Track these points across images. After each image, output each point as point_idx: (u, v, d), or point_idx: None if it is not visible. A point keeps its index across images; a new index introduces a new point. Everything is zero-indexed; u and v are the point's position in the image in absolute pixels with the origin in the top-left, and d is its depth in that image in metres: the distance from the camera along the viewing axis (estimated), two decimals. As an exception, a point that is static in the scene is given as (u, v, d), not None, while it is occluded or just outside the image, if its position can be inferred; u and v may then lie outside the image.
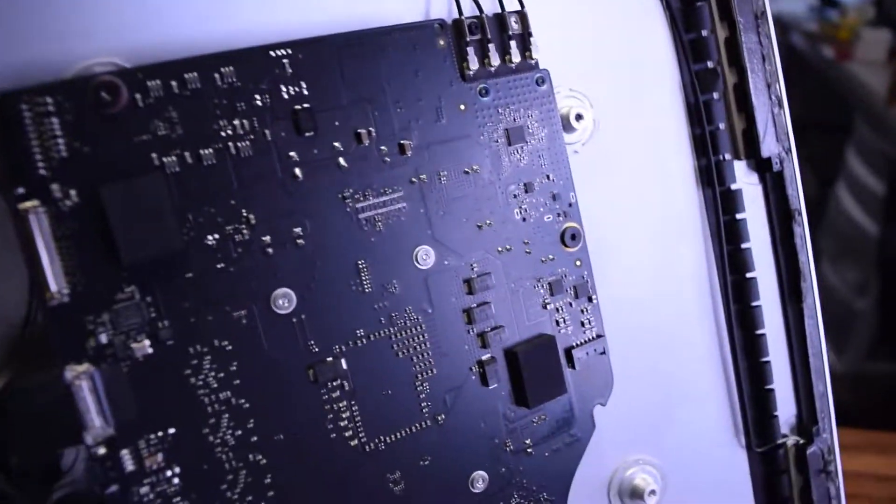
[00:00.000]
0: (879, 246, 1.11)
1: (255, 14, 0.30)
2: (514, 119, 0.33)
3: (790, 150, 0.38)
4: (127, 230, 0.27)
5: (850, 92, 1.30)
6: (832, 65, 1.38)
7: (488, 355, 0.33)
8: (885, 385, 1.04)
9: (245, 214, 0.29)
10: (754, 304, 0.38)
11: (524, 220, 0.33)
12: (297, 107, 0.29)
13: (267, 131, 0.29)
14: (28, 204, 0.26)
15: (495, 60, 0.33)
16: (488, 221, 0.33)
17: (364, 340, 0.30)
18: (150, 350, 0.27)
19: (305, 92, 0.29)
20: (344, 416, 0.30)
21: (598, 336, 0.35)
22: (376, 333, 0.31)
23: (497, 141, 0.33)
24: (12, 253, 0.27)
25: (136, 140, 0.27)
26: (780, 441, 0.40)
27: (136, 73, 0.27)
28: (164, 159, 0.27)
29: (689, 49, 0.37)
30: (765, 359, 0.39)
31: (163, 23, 0.29)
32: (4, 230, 0.27)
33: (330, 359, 0.30)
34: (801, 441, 0.40)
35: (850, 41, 1.38)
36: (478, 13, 0.33)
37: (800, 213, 0.39)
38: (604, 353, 0.35)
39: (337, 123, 0.30)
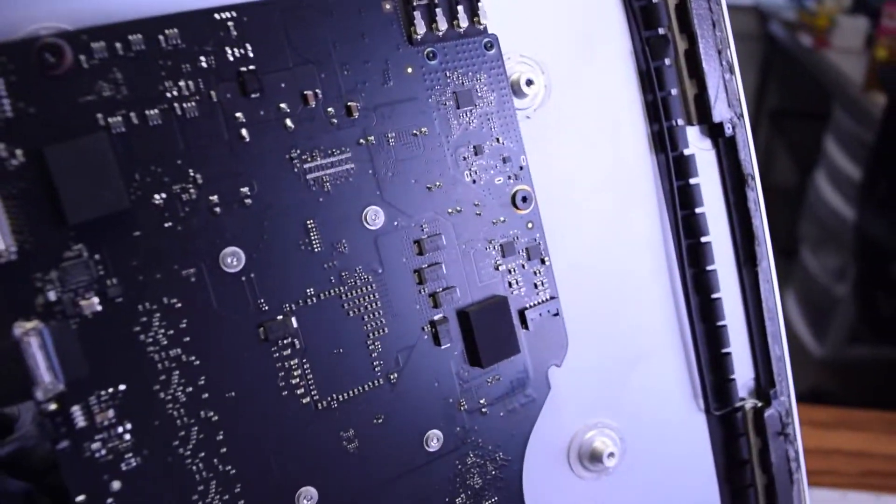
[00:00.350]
0: (856, 232, 1.12)
1: (201, -21, 0.31)
2: (463, 82, 0.34)
3: (742, 115, 0.39)
4: (72, 190, 0.27)
5: (829, 79, 1.32)
6: (810, 53, 1.40)
7: (440, 315, 0.33)
8: (865, 368, 1.05)
9: (192, 174, 0.29)
10: (709, 267, 0.39)
11: (474, 182, 0.34)
12: (243, 68, 0.30)
13: (213, 92, 0.29)
14: (-27, 163, 0.26)
15: (443, 25, 0.33)
16: (438, 183, 0.33)
17: (314, 299, 0.31)
18: (99, 307, 0.28)
19: (251, 54, 0.30)
20: (295, 374, 0.31)
21: (552, 298, 0.36)
22: (327, 292, 0.31)
23: (445, 104, 0.33)
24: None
25: (81, 101, 0.28)
26: (737, 404, 0.40)
27: (80, 34, 0.28)
28: (110, 119, 0.28)
29: (640, 15, 0.38)
30: (721, 322, 0.39)
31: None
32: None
33: (280, 317, 0.31)
34: (759, 404, 0.41)
35: (827, 29, 1.40)
36: (425, -22, 0.33)
37: (753, 178, 0.40)
38: (557, 314, 0.36)
39: (283, 85, 0.31)
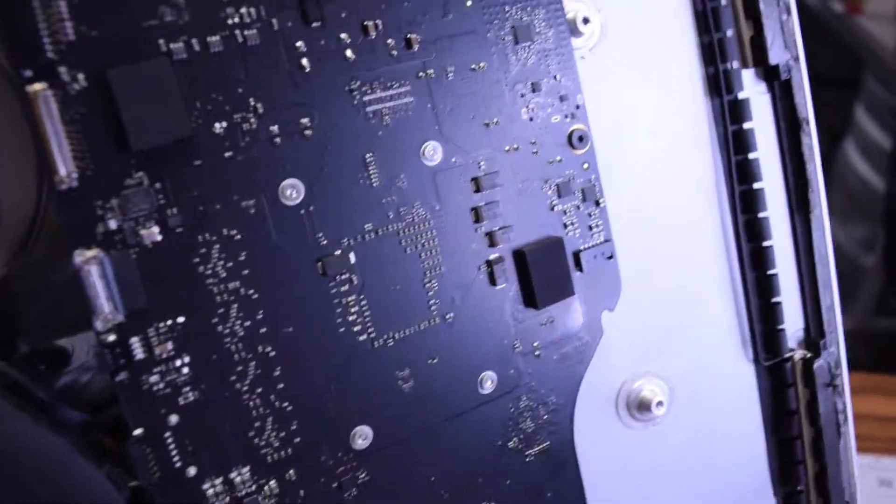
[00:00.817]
0: (886, 201, 1.12)
1: None
2: (521, 17, 0.34)
3: (798, 58, 0.39)
4: (135, 115, 0.27)
5: (861, 46, 1.31)
6: (842, 19, 1.39)
7: (496, 254, 0.34)
8: (894, 339, 1.05)
9: (252, 103, 0.29)
10: (762, 214, 0.39)
11: (531, 119, 0.34)
12: (304, -3, 0.30)
13: (274, 20, 0.29)
14: (36, 87, 0.26)
15: (502, -43, 0.33)
16: (495, 120, 0.33)
17: (373, 234, 0.31)
18: (160, 237, 0.28)
19: (313, -19, 0.30)
20: (353, 310, 0.31)
21: (606, 240, 0.36)
22: (385, 228, 0.32)
23: (504, 39, 0.33)
24: (20, 137, 0.28)
25: (144, 25, 0.28)
26: (787, 355, 0.41)
27: (142, -42, 0.28)
28: (172, 45, 0.28)
29: (697, -46, 0.38)
30: (772, 271, 0.40)
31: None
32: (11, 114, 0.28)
33: (339, 252, 0.31)
34: (808, 355, 0.41)
35: (859, -6, 1.38)
36: (485, -89, 0.33)
37: (808, 123, 0.39)
38: (611, 257, 0.36)
39: (344, 15, 0.30)
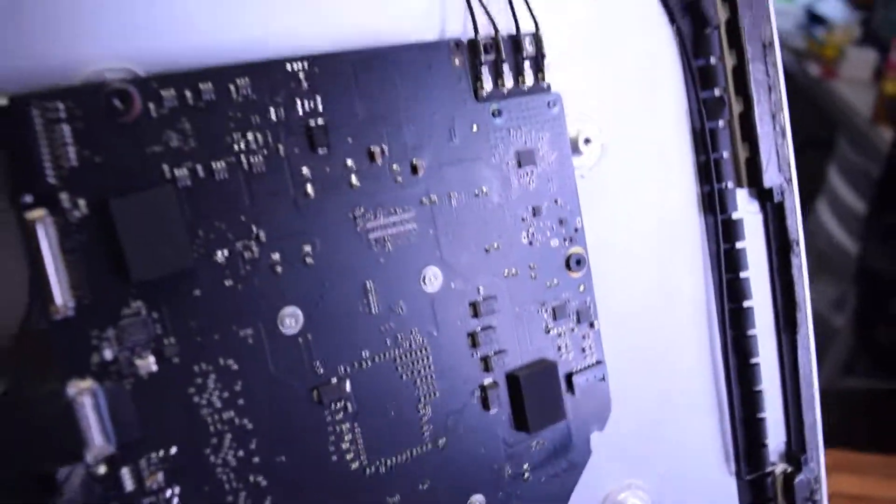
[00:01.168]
0: (858, 263, 1.15)
1: (271, 25, 0.31)
2: (525, 142, 0.34)
3: (791, 180, 0.40)
4: (137, 245, 0.27)
5: (835, 110, 1.34)
6: (818, 82, 1.42)
7: (490, 379, 0.34)
8: (861, 400, 1.07)
9: (255, 231, 0.29)
10: (750, 332, 0.40)
11: (531, 244, 0.35)
12: (312, 122, 0.30)
13: (280, 146, 0.30)
14: (36, 213, 0.26)
15: (509, 82, 0.34)
16: (496, 245, 0.34)
17: (369, 362, 0.31)
18: (155, 367, 0.28)
19: (320, 107, 0.30)
20: (346, 438, 0.31)
21: (598, 362, 0.36)
22: (382, 355, 0.32)
23: (507, 163, 0.34)
24: (7, 251, 0.28)
25: (148, 151, 0.28)
26: (768, 469, 0.41)
27: (150, 81, 0.28)
28: (176, 172, 0.28)
29: (698, 75, 0.39)
30: (758, 388, 0.40)
31: (176, 28, 0.30)
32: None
33: (335, 380, 0.31)
34: (790, 469, 0.42)
35: (835, 59, 1.42)
36: (493, 33, 0.34)
37: (798, 244, 0.40)
38: (603, 379, 0.36)
39: (350, 141, 0.31)
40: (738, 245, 0.40)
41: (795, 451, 0.42)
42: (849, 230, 1.21)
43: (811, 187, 1.30)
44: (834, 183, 1.28)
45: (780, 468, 0.42)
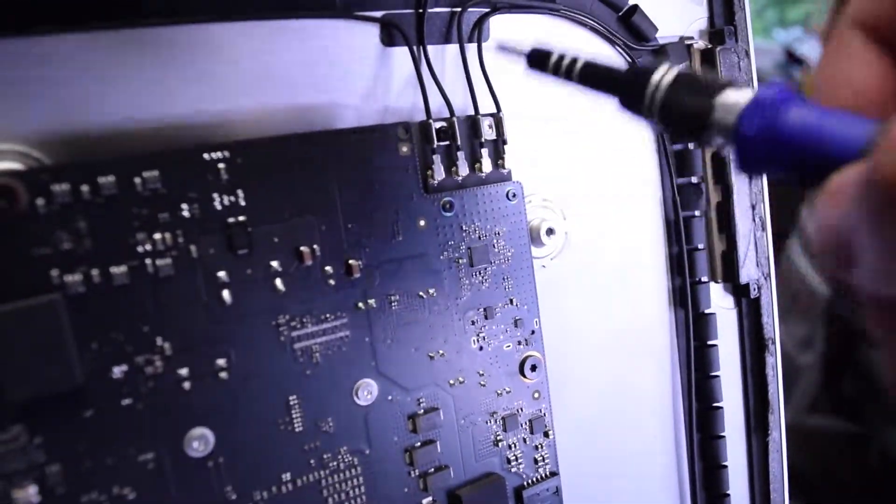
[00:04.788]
0: (826, 305, 1.09)
1: (191, 101, 0.25)
2: (480, 237, 0.29)
3: (769, 275, 0.34)
4: (15, 362, 0.22)
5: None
6: (794, 121, 1.36)
7: (429, 499, 0.28)
8: (823, 439, 1.02)
9: (160, 343, 0.24)
10: (719, 434, 0.34)
11: (481, 349, 0.29)
12: (231, 220, 0.24)
13: (193, 247, 0.24)
14: None
15: (464, 169, 0.28)
16: (441, 352, 0.28)
17: (290, 486, 0.26)
18: (37, 499, 0.22)
19: (242, 202, 0.24)
20: (260, 571, 0.26)
21: (553, 474, 0.31)
22: (305, 478, 0.26)
23: (458, 261, 0.28)
24: None
25: (35, 253, 0.22)
26: (733, 577, 0.36)
27: (39, 173, 0.22)
28: (67, 278, 0.22)
29: (675, 162, 0.33)
30: (725, 492, 0.35)
31: (80, 107, 0.24)
32: None
33: (248, 507, 0.25)
34: (756, 577, 0.36)
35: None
36: (447, 115, 0.28)
37: (773, 343, 0.35)
38: (557, 492, 0.31)
39: (276, 240, 0.25)
40: (710, 342, 0.34)
41: (763, 558, 0.37)
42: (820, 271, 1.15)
43: (784, 227, 1.25)
44: (807, 222, 1.22)
45: (745, 576, 0.36)
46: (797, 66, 1.48)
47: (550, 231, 0.31)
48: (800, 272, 1.21)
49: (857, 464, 0.98)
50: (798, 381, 1.13)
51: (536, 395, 0.30)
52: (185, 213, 0.24)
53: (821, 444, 1.05)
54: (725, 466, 0.35)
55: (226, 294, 0.24)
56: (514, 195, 0.29)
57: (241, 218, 0.24)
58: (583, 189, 0.32)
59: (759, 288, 0.34)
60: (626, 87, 0.16)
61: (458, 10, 0.29)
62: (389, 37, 0.28)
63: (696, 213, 0.33)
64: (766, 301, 0.34)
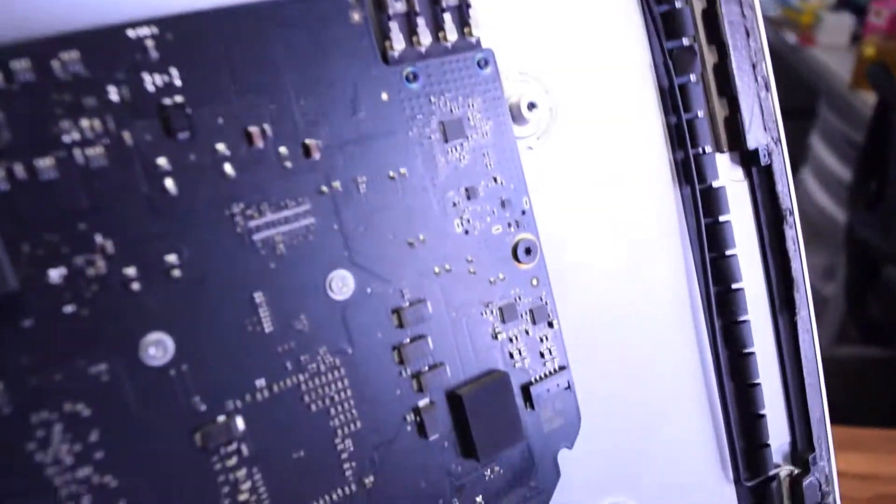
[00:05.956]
0: (846, 231, 1.04)
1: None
2: (451, 109, 0.25)
3: (780, 140, 0.31)
4: (-66, 269, 0.19)
5: (815, 77, 1.23)
6: (795, 50, 1.32)
7: (426, 400, 0.25)
8: (854, 369, 0.97)
9: (100, 242, 0.21)
10: (741, 318, 0.31)
11: (467, 232, 0.26)
12: (167, 101, 0.21)
13: (126, 133, 0.21)
14: None
15: (426, 38, 0.25)
16: (421, 237, 0.25)
17: (266, 392, 0.23)
18: (-22, 421, 0.20)
19: (177, 82, 0.21)
20: (243, 488, 0.23)
21: (561, 368, 0.28)
22: (282, 383, 0.23)
23: (430, 137, 0.25)
24: None
25: (-52, 150, 0.19)
26: (772, 472, 0.32)
27: (-59, 60, 0.19)
28: (-14, 174, 0.20)
29: (662, 24, 0.30)
30: (754, 381, 0.31)
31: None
32: None
33: (222, 418, 0.22)
34: (797, 471, 0.33)
35: (812, 26, 1.31)
36: (403, -20, 0.25)
37: (791, 213, 0.31)
38: (568, 387, 0.28)
39: (221, 121, 0.22)
40: (722, 218, 0.30)
41: (802, 450, 0.33)
42: (836, 198, 1.10)
43: (796, 157, 1.20)
44: (818, 151, 1.17)
45: (785, 471, 0.33)
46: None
47: (532, 105, 0.27)
48: (816, 202, 1.17)
49: (891, 389, 0.93)
50: (824, 312, 1.09)
51: (535, 281, 0.27)
52: (114, 97, 0.21)
53: (852, 374, 1.01)
54: (752, 353, 0.31)
55: (169, 183, 0.21)
56: (485, 63, 0.26)
57: (178, 98, 0.21)
58: (565, 60, 0.29)
59: (769, 154, 0.31)
60: None
61: None
62: None
63: (692, 77, 0.30)
64: (779, 168, 0.31)
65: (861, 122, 1.05)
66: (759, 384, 0.31)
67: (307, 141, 0.23)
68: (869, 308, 1.00)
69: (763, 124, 0.30)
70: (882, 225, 0.94)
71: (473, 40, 0.26)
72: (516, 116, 0.27)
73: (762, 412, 0.32)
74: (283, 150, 0.23)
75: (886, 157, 0.98)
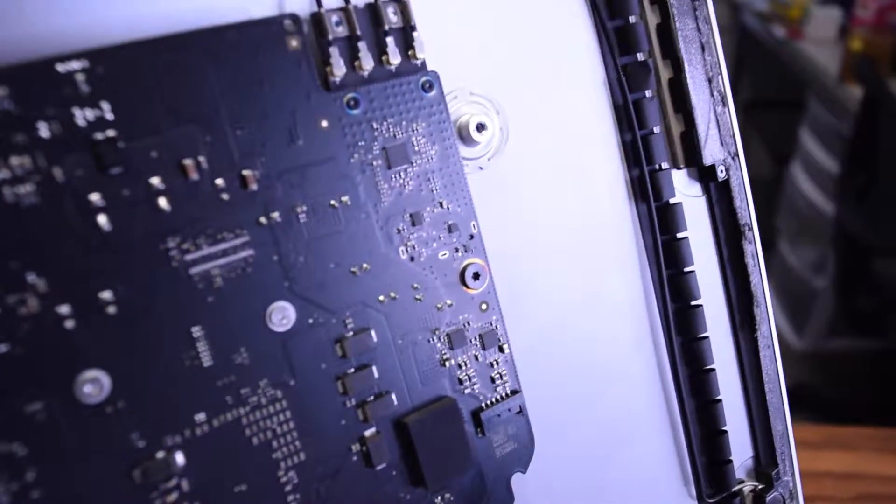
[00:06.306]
0: (835, 224, 1.04)
1: (43, 11, 0.22)
2: (395, 135, 0.25)
3: (737, 155, 0.31)
4: None
5: (803, 71, 1.23)
6: (784, 44, 1.31)
7: (372, 430, 0.25)
8: (844, 361, 0.98)
9: (31, 280, 0.21)
10: (701, 335, 0.31)
11: (412, 259, 0.26)
12: (98, 135, 0.21)
13: (57, 170, 0.21)
14: None
15: (368, 63, 0.25)
16: (365, 265, 0.25)
17: (206, 427, 0.23)
18: None
19: (109, 116, 0.21)
20: (184, 523, 0.23)
21: (514, 392, 0.28)
22: (222, 416, 0.23)
23: (373, 164, 0.25)
24: None
25: None
26: (735, 488, 0.32)
27: None
28: (-90, 214, 0.19)
29: (616, 39, 0.29)
30: (715, 398, 0.31)
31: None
32: None
33: (161, 454, 0.22)
34: (760, 486, 0.33)
35: (800, 20, 1.31)
36: (343, 4, 0.25)
37: (750, 228, 0.31)
38: (521, 412, 0.28)
39: (154, 154, 0.22)
40: (679, 235, 0.30)
41: (765, 465, 0.33)
42: (825, 192, 1.10)
43: (786, 150, 1.20)
44: (807, 144, 1.17)
45: (748, 486, 0.33)
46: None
47: (481, 126, 0.27)
48: (805, 195, 1.17)
49: (883, 380, 0.94)
50: (814, 306, 1.09)
51: (484, 306, 0.27)
52: (44, 133, 0.21)
53: (842, 365, 1.01)
54: (713, 370, 0.31)
55: (102, 219, 0.21)
56: (430, 86, 0.26)
57: (110, 133, 0.21)
58: (515, 79, 0.28)
59: (726, 169, 0.30)
60: None
61: None
62: (268, -76, 0.25)
63: (647, 93, 0.30)
64: (737, 183, 0.31)
65: (849, 115, 1.04)
66: (720, 401, 0.32)
67: (244, 172, 0.23)
68: (859, 300, 1.00)
69: (720, 139, 0.30)
70: (870, 218, 0.94)
71: (418, 62, 0.26)
72: (465, 138, 0.27)
73: (724, 428, 0.32)
74: (219, 181, 0.23)
75: (874, 151, 0.98)
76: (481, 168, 0.28)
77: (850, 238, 0.98)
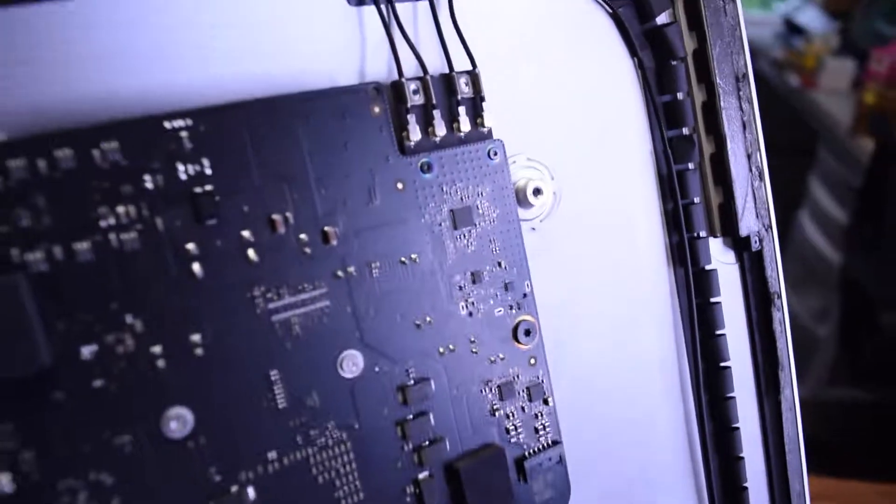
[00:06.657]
0: (841, 273, 1.06)
1: (153, 74, 0.24)
2: (462, 198, 0.27)
3: (770, 226, 0.33)
4: (-23, 345, 0.21)
5: (815, 120, 1.26)
6: (798, 92, 1.34)
7: (426, 473, 0.27)
8: (844, 411, 1.00)
9: (129, 321, 0.22)
10: (728, 395, 0.33)
11: (470, 314, 0.28)
12: (197, 189, 0.23)
13: (158, 219, 0.23)
14: None
15: (441, 129, 0.27)
16: (428, 319, 0.27)
17: (276, 465, 0.25)
18: (10, 487, 0.21)
19: (208, 171, 0.23)
20: (251, 554, 0.24)
21: (555, 443, 0.29)
22: (292, 456, 0.25)
23: (440, 224, 0.27)
24: None
25: (-7, 232, 0.21)
26: (752, 542, 0.34)
27: (-8, 150, 0.21)
28: (28, 256, 0.21)
29: (664, 113, 0.32)
30: (738, 455, 0.33)
31: (37, 80, 0.23)
32: None
33: (235, 488, 0.24)
34: (775, 542, 0.35)
35: (815, 69, 1.34)
36: (421, 74, 0.27)
37: (779, 297, 0.33)
38: (560, 462, 0.29)
39: (246, 209, 0.24)
40: (713, 300, 0.32)
41: (781, 522, 0.35)
42: (832, 240, 1.13)
43: (794, 198, 1.22)
44: (815, 192, 1.20)
45: (764, 541, 0.35)
46: (798, 36, 1.46)
47: (538, 191, 0.29)
48: (812, 243, 1.19)
49: (881, 432, 0.95)
50: (816, 353, 1.11)
51: (532, 361, 0.29)
52: (149, 185, 0.23)
53: (843, 415, 1.03)
54: (737, 428, 0.33)
55: (196, 267, 0.23)
56: (495, 153, 0.28)
57: (208, 187, 0.23)
58: (570, 146, 0.30)
59: (760, 240, 0.33)
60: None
61: (427, -35, 0.27)
62: (355, -4, 0.27)
63: (690, 165, 0.32)
64: (769, 254, 0.33)
65: (859, 166, 1.07)
66: (742, 458, 0.33)
67: (326, 228, 0.25)
68: (862, 350, 1.02)
69: (756, 212, 0.32)
70: (877, 269, 0.96)
71: (485, 130, 0.28)
72: (522, 200, 0.29)
73: (745, 484, 0.34)
74: (303, 236, 0.25)
75: (883, 203, 1.01)
76: (533, 229, 0.30)
77: (856, 288, 1.00)
